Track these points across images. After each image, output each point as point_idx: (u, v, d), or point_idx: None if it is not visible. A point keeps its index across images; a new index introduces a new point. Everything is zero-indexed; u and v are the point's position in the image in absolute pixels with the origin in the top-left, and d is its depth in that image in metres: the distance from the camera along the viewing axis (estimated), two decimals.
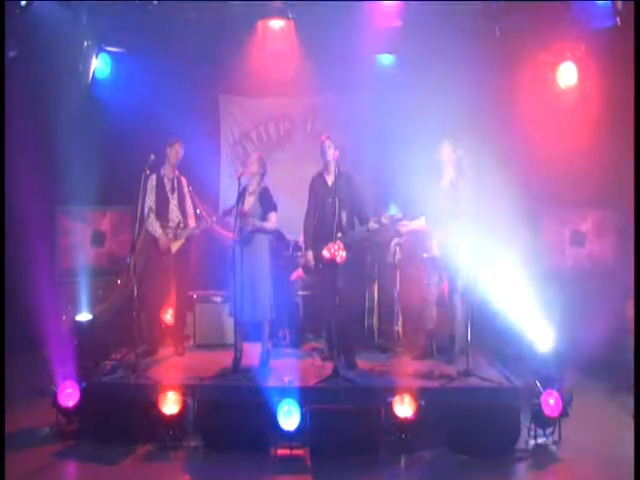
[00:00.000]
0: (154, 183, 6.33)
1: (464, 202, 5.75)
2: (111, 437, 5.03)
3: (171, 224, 6.36)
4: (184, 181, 6.52)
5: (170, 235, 6.33)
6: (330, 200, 5.84)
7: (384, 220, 5.73)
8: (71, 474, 4.89)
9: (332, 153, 5.94)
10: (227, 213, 6.26)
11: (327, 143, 5.97)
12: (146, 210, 6.27)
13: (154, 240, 6.36)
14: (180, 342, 6.57)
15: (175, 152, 6.39)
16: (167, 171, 6.42)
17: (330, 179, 6.01)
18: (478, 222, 5.73)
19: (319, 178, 6.09)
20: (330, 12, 7.09)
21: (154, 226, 6.32)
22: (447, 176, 6.03)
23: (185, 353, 6.53)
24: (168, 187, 6.41)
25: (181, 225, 6.35)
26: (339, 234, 5.76)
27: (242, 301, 5.75)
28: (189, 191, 6.53)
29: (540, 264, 7.58)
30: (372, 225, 5.77)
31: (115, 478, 4.66)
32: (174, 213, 6.40)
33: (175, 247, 6.34)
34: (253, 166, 6.09)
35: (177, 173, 6.49)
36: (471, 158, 5.82)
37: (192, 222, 6.45)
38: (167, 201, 6.39)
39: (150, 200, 6.31)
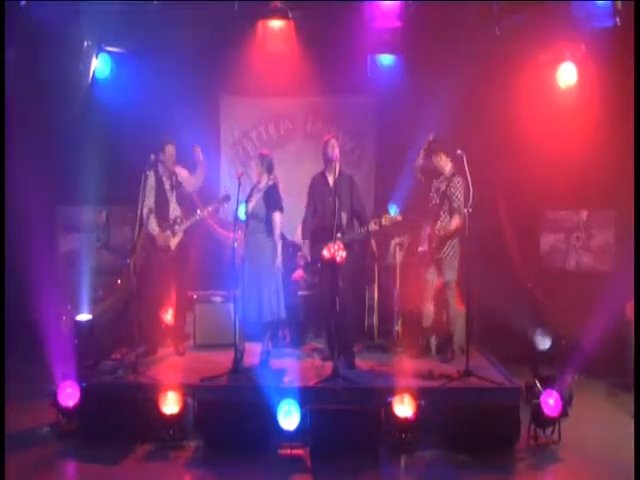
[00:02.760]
0: (153, 184, 6.34)
1: (447, 207, 6.09)
2: (111, 437, 5.03)
3: (171, 222, 6.37)
4: (181, 172, 6.49)
5: (168, 232, 6.34)
6: (330, 200, 5.83)
7: (384, 222, 5.76)
8: (71, 474, 4.89)
9: (336, 153, 5.93)
10: (224, 200, 6.31)
11: (332, 142, 5.97)
12: (146, 211, 6.27)
13: (153, 239, 6.36)
14: (180, 341, 6.57)
15: (169, 155, 6.38)
16: (164, 171, 6.42)
17: (331, 179, 6.00)
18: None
19: (320, 177, 6.09)
20: (330, 12, 7.10)
21: (152, 225, 6.33)
22: (441, 184, 6.19)
23: (185, 353, 6.52)
24: (167, 186, 6.42)
25: (178, 220, 6.36)
26: (339, 234, 5.77)
27: (250, 301, 5.78)
28: (188, 178, 6.52)
29: (539, 264, 7.61)
30: (372, 227, 5.82)
31: (115, 478, 4.66)
32: (175, 212, 6.40)
33: (174, 243, 6.34)
34: (255, 166, 6.12)
35: (173, 168, 6.48)
36: (462, 180, 6.03)
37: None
38: (167, 201, 6.39)
39: (149, 201, 6.31)
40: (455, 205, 6.05)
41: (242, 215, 6.01)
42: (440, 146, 6.20)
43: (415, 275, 6.49)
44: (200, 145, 7.01)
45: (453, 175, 6.14)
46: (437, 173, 6.26)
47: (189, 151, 6.69)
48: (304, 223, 6.18)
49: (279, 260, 5.90)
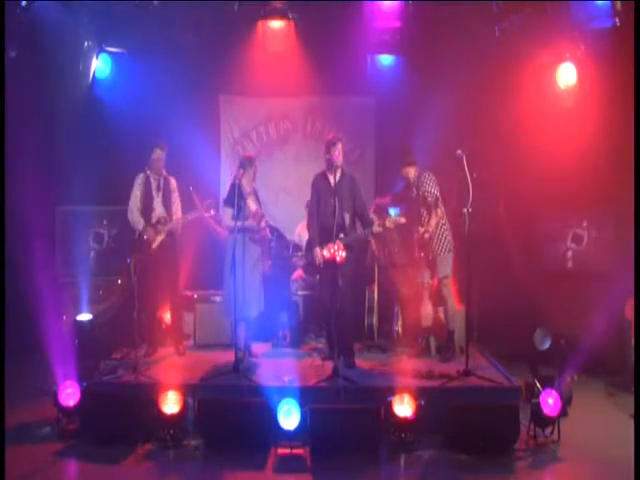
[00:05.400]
0: (141, 182, 6.37)
1: (424, 206, 6.19)
2: (111, 437, 5.03)
3: (153, 221, 6.35)
4: (172, 181, 6.53)
5: (151, 231, 6.33)
6: (332, 201, 5.77)
7: (388, 224, 5.73)
8: (71, 473, 4.89)
9: (340, 157, 5.86)
10: (207, 208, 6.31)
11: (339, 147, 5.85)
12: (134, 208, 6.31)
13: (141, 237, 6.35)
14: (179, 341, 6.57)
15: (156, 157, 6.36)
16: (152, 172, 6.42)
17: (333, 179, 5.94)
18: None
19: (322, 178, 6.01)
20: (330, 12, 7.12)
21: (139, 222, 6.34)
22: (412, 189, 6.33)
23: (185, 353, 6.52)
24: (154, 186, 6.42)
25: (162, 220, 6.35)
26: (341, 235, 5.75)
27: (244, 299, 5.82)
28: (177, 191, 6.53)
29: (539, 264, 7.61)
30: (376, 228, 5.78)
31: (115, 477, 4.66)
32: (157, 211, 6.39)
33: (156, 243, 6.32)
34: (247, 169, 6.11)
35: (164, 173, 6.48)
36: (429, 175, 6.23)
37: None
38: (152, 200, 6.39)
39: (136, 198, 6.35)
40: (430, 200, 6.14)
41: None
42: (405, 159, 6.31)
43: (413, 275, 6.50)
44: (200, 145, 7.03)
45: (419, 176, 6.24)
46: (405, 180, 6.39)
47: (189, 151, 6.70)
48: (309, 224, 6.11)
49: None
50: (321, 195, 5.98)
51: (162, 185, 6.44)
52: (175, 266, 6.56)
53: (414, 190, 6.27)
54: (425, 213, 6.19)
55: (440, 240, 6.19)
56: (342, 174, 5.97)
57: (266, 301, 6.25)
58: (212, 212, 6.37)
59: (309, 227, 6.12)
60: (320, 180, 6.03)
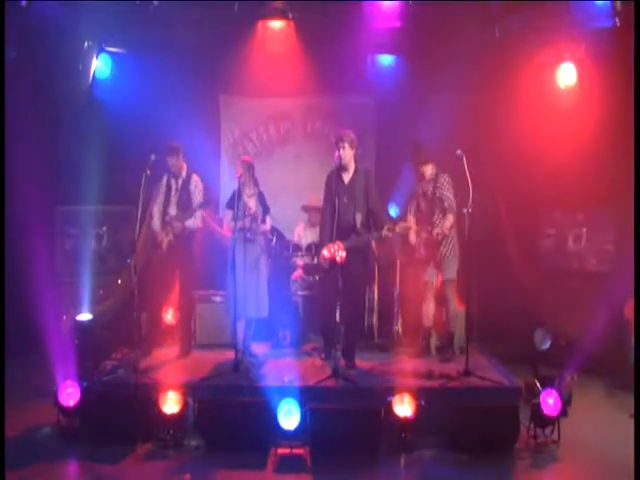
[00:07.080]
0: (164, 183, 6.35)
1: (439, 208, 6.18)
2: (111, 436, 5.02)
3: (166, 222, 6.34)
4: (194, 181, 6.42)
5: (163, 231, 6.31)
6: (346, 200, 5.66)
7: (398, 230, 5.66)
8: (71, 473, 4.89)
9: (336, 155, 5.77)
10: (228, 202, 6.29)
11: (340, 145, 5.78)
12: (156, 208, 6.30)
13: (154, 237, 6.35)
14: (183, 342, 6.57)
15: (171, 163, 6.30)
16: (172, 174, 6.40)
17: (346, 177, 5.82)
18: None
19: (335, 176, 5.84)
20: (330, 12, 7.12)
21: (156, 223, 6.33)
22: (427, 187, 6.27)
23: (188, 354, 6.52)
24: (174, 187, 6.40)
25: (168, 221, 6.31)
26: (353, 235, 5.69)
27: (245, 299, 5.83)
28: (199, 189, 6.45)
29: (539, 264, 7.62)
30: (385, 232, 5.61)
31: (115, 477, 4.67)
32: (172, 212, 6.37)
33: (164, 243, 6.28)
34: (245, 172, 6.13)
35: (184, 174, 6.40)
36: (447, 177, 6.22)
37: (194, 219, 6.42)
38: (169, 201, 6.37)
39: (154, 202, 6.31)
40: (446, 204, 6.13)
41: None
42: (427, 154, 6.27)
43: (415, 275, 6.51)
44: (200, 145, 7.01)
45: (437, 175, 6.21)
46: (419, 177, 6.32)
47: (189, 151, 6.68)
48: (322, 225, 5.97)
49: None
50: (331, 194, 5.79)
51: (180, 187, 6.39)
52: (185, 267, 6.45)
53: (430, 189, 6.24)
54: (438, 214, 6.17)
55: (448, 244, 6.18)
56: (355, 171, 5.84)
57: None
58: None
59: (320, 227, 6.02)
60: (332, 178, 5.88)
